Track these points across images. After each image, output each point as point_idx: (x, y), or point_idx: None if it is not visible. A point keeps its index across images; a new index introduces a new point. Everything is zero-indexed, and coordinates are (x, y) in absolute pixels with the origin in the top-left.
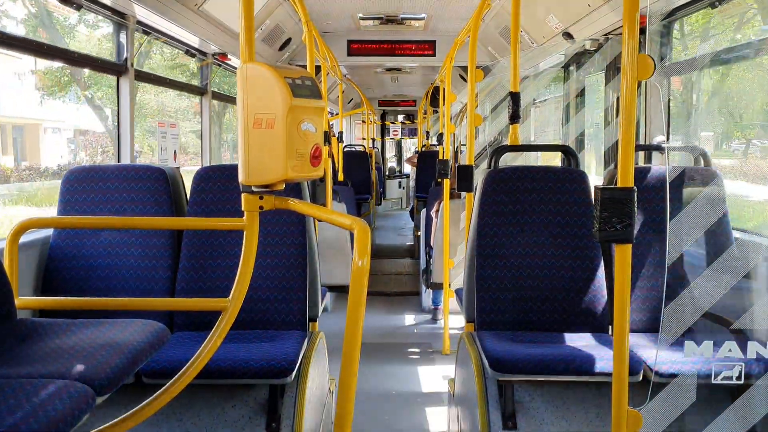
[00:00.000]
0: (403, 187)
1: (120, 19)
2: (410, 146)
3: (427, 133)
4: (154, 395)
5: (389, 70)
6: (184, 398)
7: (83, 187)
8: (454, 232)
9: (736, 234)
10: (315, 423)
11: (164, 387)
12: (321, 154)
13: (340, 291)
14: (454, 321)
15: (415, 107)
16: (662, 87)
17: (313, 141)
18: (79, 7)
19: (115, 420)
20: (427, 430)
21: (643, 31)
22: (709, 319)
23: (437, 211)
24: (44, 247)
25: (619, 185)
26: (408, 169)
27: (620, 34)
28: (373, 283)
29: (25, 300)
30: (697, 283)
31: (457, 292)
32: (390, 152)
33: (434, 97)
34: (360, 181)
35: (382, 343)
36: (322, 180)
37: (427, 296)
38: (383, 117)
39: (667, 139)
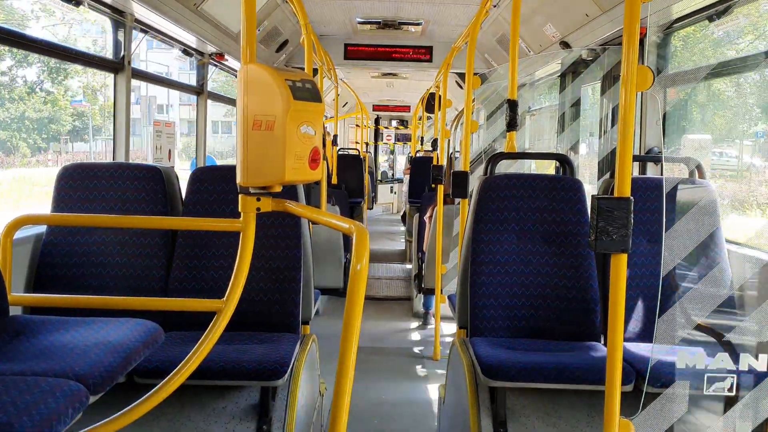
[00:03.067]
0: (395, 192)
1: (118, 16)
2: (404, 151)
3: (422, 138)
4: (146, 395)
5: (385, 75)
6: (175, 398)
7: (77, 184)
8: (447, 238)
9: (729, 246)
10: (305, 426)
11: (156, 387)
12: (319, 157)
13: (332, 294)
14: (445, 327)
15: (408, 113)
16: (659, 98)
17: (311, 144)
18: (78, 4)
19: (106, 419)
20: None
21: (641, 42)
22: (701, 331)
23: (431, 216)
24: (37, 244)
25: (615, 195)
26: (400, 173)
27: (618, 44)
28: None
29: (17, 297)
30: (690, 295)
31: (450, 297)
32: (382, 157)
33: (429, 103)
34: (353, 184)
35: (372, 347)
36: (317, 183)
37: (418, 301)
38: (377, 121)
39: (663, 149)
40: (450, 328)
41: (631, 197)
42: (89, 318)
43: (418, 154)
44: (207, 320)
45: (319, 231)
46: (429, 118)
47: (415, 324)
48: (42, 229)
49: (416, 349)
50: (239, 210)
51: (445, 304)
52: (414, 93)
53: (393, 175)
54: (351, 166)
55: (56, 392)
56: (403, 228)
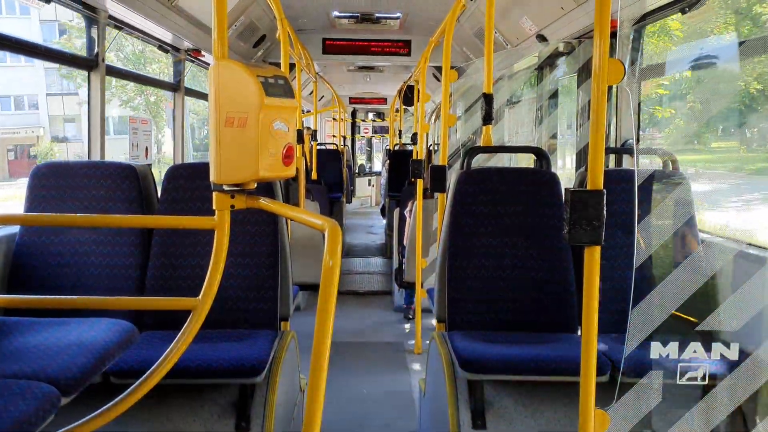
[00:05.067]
0: (373, 185)
1: (91, 13)
2: (381, 144)
3: (399, 131)
4: (122, 395)
5: (362, 68)
6: (153, 398)
7: (51, 183)
8: (426, 231)
9: (702, 236)
10: (285, 422)
11: (132, 387)
12: (293, 154)
13: (314, 289)
14: (426, 320)
15: (386, 105)
16: (632, 91)
17: (285, 140)
18: (49, 0)
19: (81, 420)
20: (398, 430)
21: (614, 35)
22: (675, 320)
23: (410, 210)
24: (10, 245)
25: (588, 188)
26: (378, 167)
27: (592, 37)
28: (345, 282)
29: None
30: (663, 285)
31: (429, 291)
32: (360, 152)
33: (407, 96)
34: (332, 179)
35: (354, 342)
36: (295, 179)
37: (399, 295)
38: (354, 114)
39: (637, 142)
40: (432, 322)
41: (604, 190)
42: (62, 319)
43: (396, 147)
44: (184, 319)
45: (299, 227)
46: (406, 110)
47: (396, 318)
48: (15, 229)
49: (398, 343)
50: (213, 208)
51: (426, 297)
52: (391, 85)
53: (371, 167)
54: (330, 160)
55: (27, 395)
56: (382, 221)
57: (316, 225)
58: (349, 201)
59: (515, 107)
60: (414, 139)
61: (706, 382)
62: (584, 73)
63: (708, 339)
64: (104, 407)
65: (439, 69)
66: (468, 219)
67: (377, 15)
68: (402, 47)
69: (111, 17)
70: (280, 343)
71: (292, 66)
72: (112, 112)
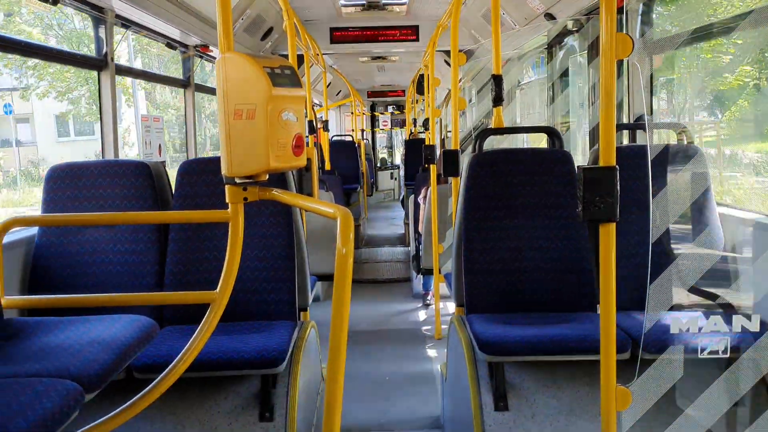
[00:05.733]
0: (395, 178)
1: (98, 13)
2: (399, 136)
3: (414, 120)
4: (145, 390)
5: (375, 58)
6: (176, 392)
7: (67, 184)
8: (441, 217)
9: (720, 209)
10: (309, 411)
11: (155, 381)
12: (303, 144)
13: (332, 280)
14: (445, 305)
15: (404, 97)
16: (643, 65)
17: (294, 130)
18: (55, 2)
19: (106, 416)
20: (421, 415)
21: (621, 10)
22: (694, 294)
23: (425, 197)
24: (29, 246)
25: (601, 164)
26: (399, 159)
27: None
28: (366, 271)
29: (11, 300)
30: (681, 259)
31: (446, 276)
32: (381, 143)
33: (420, 84)
34: (348, 171)
35: (375, 330)
36: (308, 169)
37: (418, 282)
38: (372, 108)
39: (650, 115)
40: (451, 307)
41: (616, 166)
42: (83, 317)
43: (411, 136)
44: (204, 313)
45: (315, 218)
46: (423, 99)
47: (415, 305)
48: (34, 231)
49: (418, 329)
50: (226, 201)
51: (444, 283)
52: (406, 76)
53: (392, 161)
54: (345, 152)
55: (51, 392)
56: (403, 213)
57: (328, 213)
58: (370, 194)
59: (527, 87)
60: (426, 125)
61: (728, 356)
62: (594, 50)
63: (729, 311)
64: (128, 402)
65: (448, 53)
66: (482, 202)
67: (383, 2)
68: (410, 33)
69: (118, 16)
70: (299, 333)
71: (301, 58)
72: (53, 107)
